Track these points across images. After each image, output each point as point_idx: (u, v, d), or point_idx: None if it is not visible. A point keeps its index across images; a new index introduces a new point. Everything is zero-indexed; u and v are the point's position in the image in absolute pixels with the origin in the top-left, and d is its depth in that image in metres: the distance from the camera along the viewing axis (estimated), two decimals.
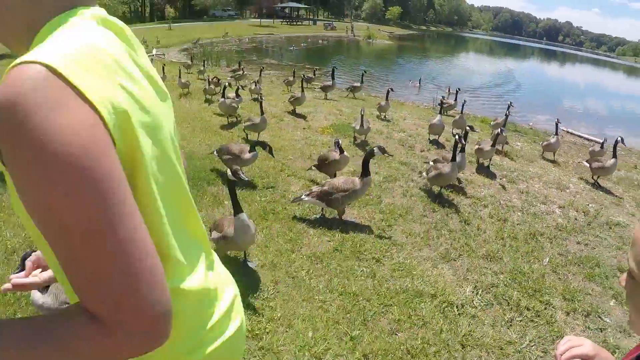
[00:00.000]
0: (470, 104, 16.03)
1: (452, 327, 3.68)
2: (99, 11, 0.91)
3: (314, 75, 16.65)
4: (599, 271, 4.79)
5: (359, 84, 14.84)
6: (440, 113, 9.43)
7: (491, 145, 7.47)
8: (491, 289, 4.29)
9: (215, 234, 4.08)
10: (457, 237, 5.27)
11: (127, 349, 0.76)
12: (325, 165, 6.27)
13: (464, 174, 7.25)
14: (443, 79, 24.91)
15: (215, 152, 6.44)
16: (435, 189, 6.48)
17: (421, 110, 14.56)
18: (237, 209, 3.88)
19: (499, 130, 8.10)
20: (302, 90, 10.68)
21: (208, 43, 34.25)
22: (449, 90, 18.23)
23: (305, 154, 7.83)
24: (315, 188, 5.34)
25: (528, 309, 3.99)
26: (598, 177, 8.00)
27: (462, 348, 3.47)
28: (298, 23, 73.41)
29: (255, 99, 9.90)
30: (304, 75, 14.44)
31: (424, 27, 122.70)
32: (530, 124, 14.61)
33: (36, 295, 2.88)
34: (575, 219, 6.21)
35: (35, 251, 1.39)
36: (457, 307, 3.95)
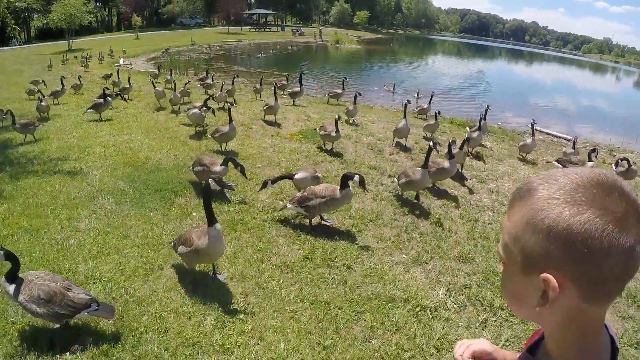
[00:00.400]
0: (439, 103, 16.23)
1: (426, 331, 3.65)
2: None
3: (287, 82, 16.43)
4: None
5: (340, 91, 14.66)
6: (405, 117, 9.30)
7: (459, 148, 7.45)
8: (464, 290, 4.28)
9: (183, 249, 3.97)
10: (428, 239, 5.26)
11: None
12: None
13: None
14: (412, 82, 25.13)
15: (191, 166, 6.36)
16: (406, 194, 6.47)
17: (390, 113, 14.60)
18: (212, 219, 3.81)
19: (468, 135, 8.25)
20: (276, 99, 10.43)
21: (175, 52, 33.81)
22: (417, 94, 18.44)
23: (274, 161, 7.73)
24: (298, 194, 5.29)
25: (502, 309, 3.99)
26: None
27: (437, 352, 3.44)
28: (266, 30, 73.17)
29: (221, 108, 9.70)
30: (276, 84, 14.29)
31: (392, 31, 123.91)
32: (499, 123, 14.84)
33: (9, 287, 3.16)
34: None
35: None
36: (430, 310, 3.93)
